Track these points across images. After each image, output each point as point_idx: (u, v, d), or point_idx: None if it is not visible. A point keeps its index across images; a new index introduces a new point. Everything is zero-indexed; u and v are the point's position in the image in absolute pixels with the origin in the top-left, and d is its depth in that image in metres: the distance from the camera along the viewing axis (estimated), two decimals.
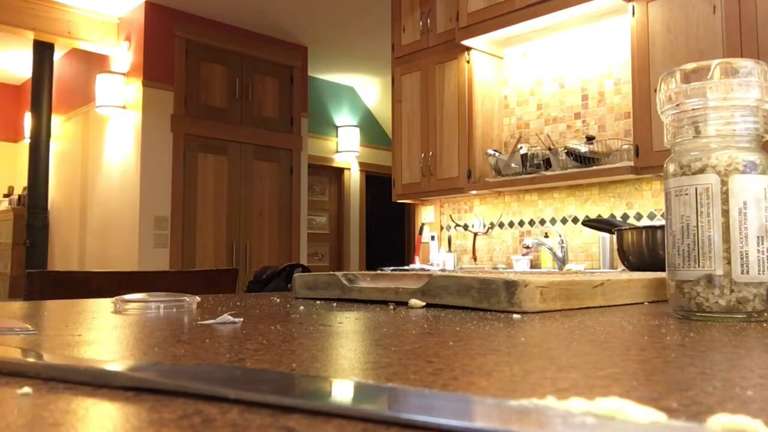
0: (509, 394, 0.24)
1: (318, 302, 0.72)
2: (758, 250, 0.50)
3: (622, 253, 1.31)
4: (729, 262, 0.50)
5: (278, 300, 0.75)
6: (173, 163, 4.94)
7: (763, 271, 0.50)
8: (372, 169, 7.04)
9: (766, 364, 0.33)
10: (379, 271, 0.77)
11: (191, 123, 5.05)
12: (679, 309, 0.54)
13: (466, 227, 4.17)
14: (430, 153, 4.05)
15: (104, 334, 0.47)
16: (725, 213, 0.51)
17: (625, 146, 3.32)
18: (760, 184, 0.51)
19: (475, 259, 4.12)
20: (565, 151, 3.44)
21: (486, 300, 0.59)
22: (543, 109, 3.87)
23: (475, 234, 4.09)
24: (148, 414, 0.21)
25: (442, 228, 4.39)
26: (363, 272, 0.76)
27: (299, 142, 5.79)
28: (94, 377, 0.25)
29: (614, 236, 1.42)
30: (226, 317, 0.50)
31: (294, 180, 5.72)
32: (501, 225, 4.04)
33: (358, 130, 6.81)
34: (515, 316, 0.54)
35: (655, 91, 0.58)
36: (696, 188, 0.52)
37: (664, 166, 0.56)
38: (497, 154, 3.75)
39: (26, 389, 0.24)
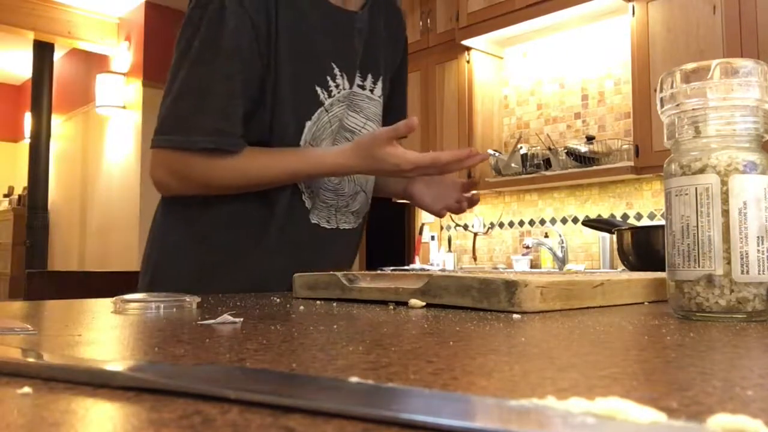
0: (509, 394, 0.24)
1: (318, 302, 0.72)
2: (758, 250, 0.50)
3: (622, 253, 1.31)
4: (729, 262, 0.50)
5: (278, 300, 0.75)
6: None
7: (763, 271, 0.50)
8: None
9: (766, 364, 0.33)
10: (379, 271, 0.77)
11: None
12: (679, 309, 0.54)
13: (466, 227, 4.17)
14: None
15: (104, 334, 0.47)
16: (725, 213, 0.51)
17: (625, 146, 3.32)
18: (760, 184, 0.51)
19: (475, 259, 4.12)
20: (565, 151, 3.44)
21: (486, 300, 0.59)
22: (543, 109, 3.87)
23: (475, 234, 4.09)
24: (148, 414, 0.21)
25: (442, 228, 4.39)
26: (363, 272, 0.76)
27: None
28: (94, 377, 0.25)
29: (614, 236, 1.42)
30: (226, 317, 0.50)
31: None
32: (501, 225, 4.04)
33: None
34: (515, 316, 0.54)
35: (655, 91, 0.58)
36: (696, 188, 0.52)
37: (664, 166, 0.56)
38: (497, 154, 3.75)
39: (26, 389, 0.24)
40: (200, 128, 0.96)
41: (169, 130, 0.98)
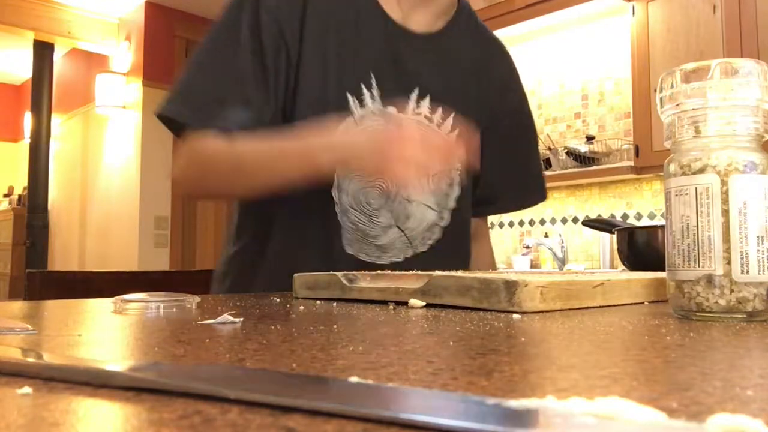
0: (509, 394, 0.24)
1: (318, 302, 0.72)
2: (758, 250, 0.50)
3: (622, 253, 1.31)
4: (729, 262, 0.50)
5: (278, 300, 0.75)
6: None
7: (763, 271, 0.50)
8: None
9: (766, 364, 0.33)
10: (379, 271, 0.77)
11: None
12: (679, 309, 0.54)
13: None
14: None
15: (104, 334, 0.47)
16: (725, 213, 0.51)
17: (625, 146, 3.32)
18: (760, 184, 0.51)
19: None
20: (565, 151, 3.44)
21: (486, 300, 0.59)
22: (543, 109, 3.87)
23: None
24: (148, 414, 0.21)
25: None
26: (363, 272, 0.76)
27: None
28: (94, 377, 0.25)
29: (614, 236, 1.41)
30: (226, 317, 0.50)
31: None
32: (501, 225, 4.04)
33: None
34: (515, 316, 0.54)
35: (655, 91, 0.58)
36: (696, 188, 0.52)
37: (664, 166, 0.56)
38: None
39: (26, 389, 0.24)
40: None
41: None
